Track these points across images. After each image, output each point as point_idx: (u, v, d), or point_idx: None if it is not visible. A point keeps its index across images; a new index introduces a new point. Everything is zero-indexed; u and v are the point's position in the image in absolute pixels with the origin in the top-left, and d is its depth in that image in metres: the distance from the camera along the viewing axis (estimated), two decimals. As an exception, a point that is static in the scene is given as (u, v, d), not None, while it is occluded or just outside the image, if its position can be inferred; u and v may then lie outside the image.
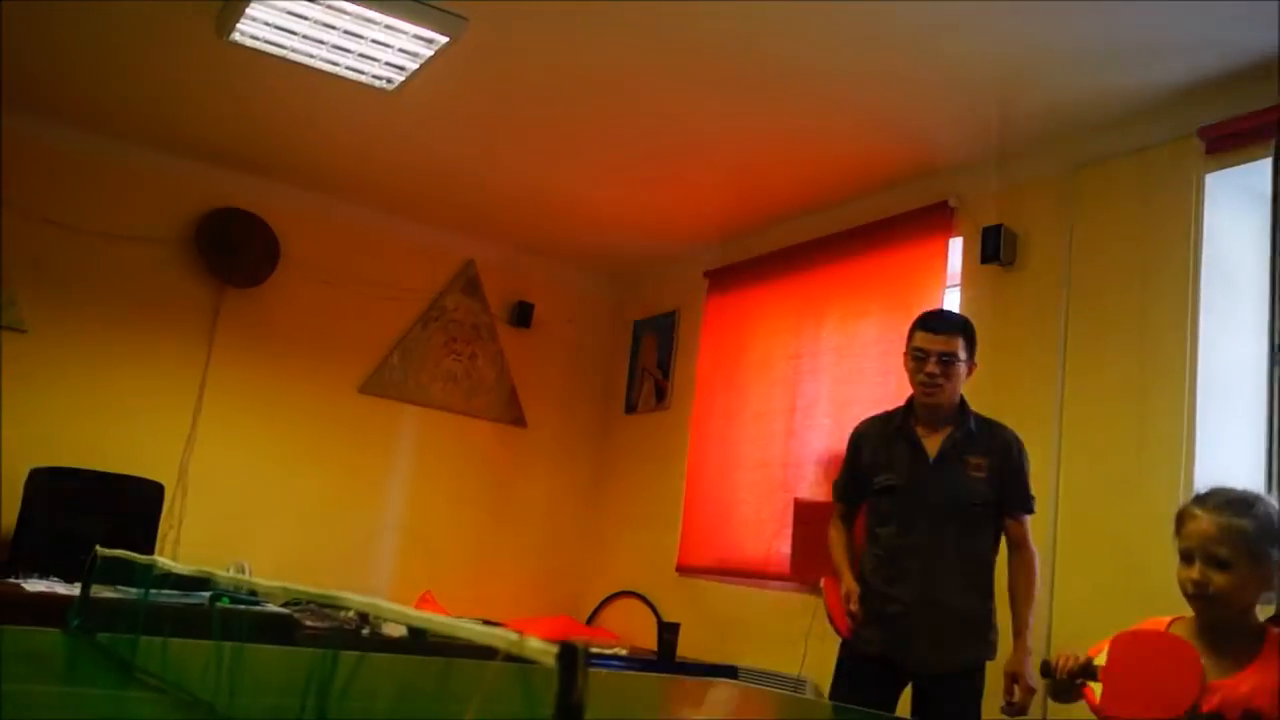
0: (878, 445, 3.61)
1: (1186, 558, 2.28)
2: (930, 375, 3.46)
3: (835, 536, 3.72)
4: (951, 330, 3.52)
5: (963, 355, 3.50)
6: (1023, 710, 3.28)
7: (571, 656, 0.86)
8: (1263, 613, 2.32)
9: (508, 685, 1.16)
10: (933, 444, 3.51)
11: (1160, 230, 4.14)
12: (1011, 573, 3.46)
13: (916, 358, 3.50)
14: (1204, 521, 2.27)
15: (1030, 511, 3.50)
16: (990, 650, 3.44)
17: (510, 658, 0.97)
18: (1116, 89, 4.13)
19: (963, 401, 3.56)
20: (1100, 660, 2.38)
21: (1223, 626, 2.28)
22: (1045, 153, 4.62)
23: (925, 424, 3.54)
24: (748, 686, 3.77)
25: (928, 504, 3.45)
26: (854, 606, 3.43)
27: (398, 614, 1.21)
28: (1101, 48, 3.86)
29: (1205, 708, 2.21)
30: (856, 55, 4.13)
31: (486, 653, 1.01)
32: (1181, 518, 2.32)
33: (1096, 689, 2.37)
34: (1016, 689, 3.28)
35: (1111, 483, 4.08)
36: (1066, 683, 2.43)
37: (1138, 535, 3.87)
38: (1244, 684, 2.19)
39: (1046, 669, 2.49)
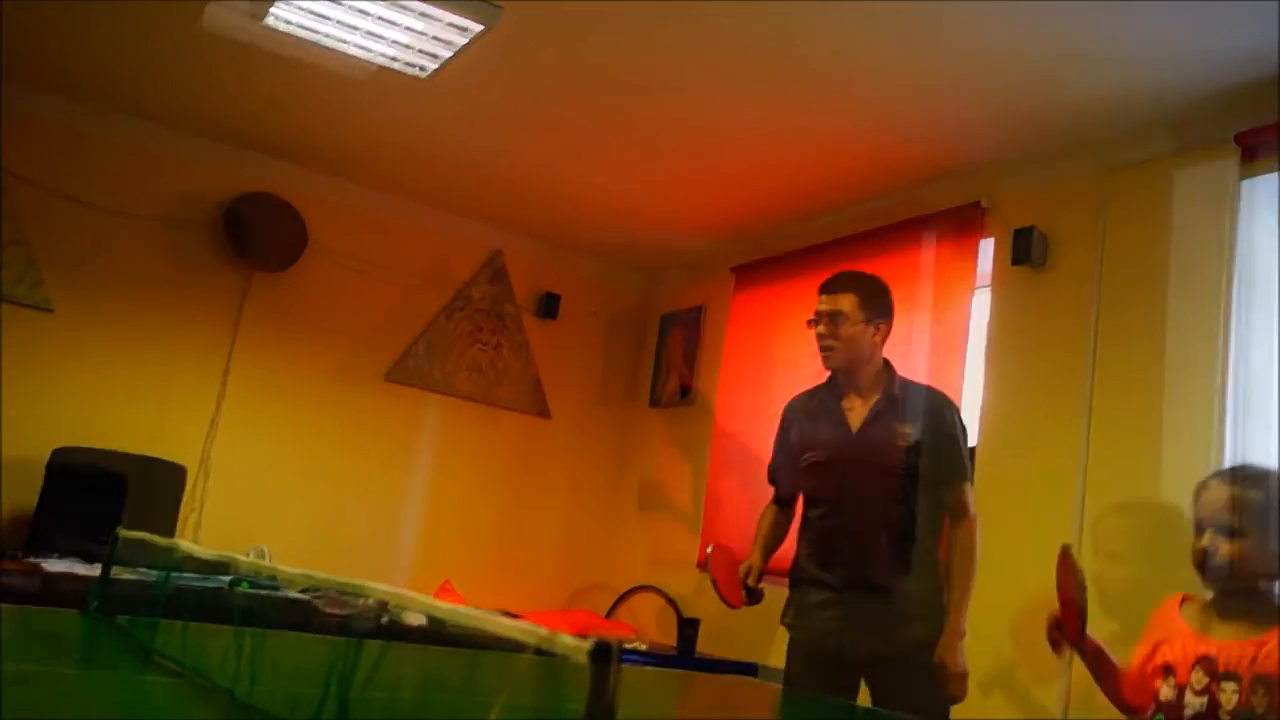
0: (804, 422, 3.45)
1: (1199, 528, 2.34)
2: (820, 336, 3.32)
3: (765, 516, 3.60)
4: (840, 289, 3.36)
5: (859, 315, 3.32)
6: (956, 699, 3.15)
7: (605, 654, 0.84)
8: None
9: (535, 679, 1.13)
10: (857, 416, 3.32)
11: (1194, 236, 4.09)
12: (949, 547, 3.29)
13: (812, 322, 3.36)
14: (1216, 491, 2.32)
15: (966, 479, 3.31)
16: (940, 629, 3.21)
17: (538, 652, 0.95)
18: (1152, 92, 4.07)
19: (888, 368, 3.41)
20: None
21: (1235, 598, 2.30)
22: (1079, 155, 4.58)
23: (850, 395, 3.37)
24: (768, 684, 3.74)
25: (853, 480, 3.28)
26: (751, 581, 3.30)
27: (424, 605, 1.18)
28: (1138, 50, 3.81)
29: (1221, 667, 2.25)
30: (888, 53, 4.09)
31: (511, 645, 0.99)
32: (1198, 490, 2.38)
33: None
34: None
35: (1139, 487, 4.04)
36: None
37: (1166, 539, 3.83)
38: (1261, 649, 2.22)
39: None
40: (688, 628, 5.65)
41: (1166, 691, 2.33)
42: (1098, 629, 2.60)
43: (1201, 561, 2.30)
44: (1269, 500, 2.25)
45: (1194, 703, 2.27)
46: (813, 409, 3.44)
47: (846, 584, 3.23)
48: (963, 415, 3.42)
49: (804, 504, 3.46)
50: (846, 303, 3.31)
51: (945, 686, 3.11)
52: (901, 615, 3.20)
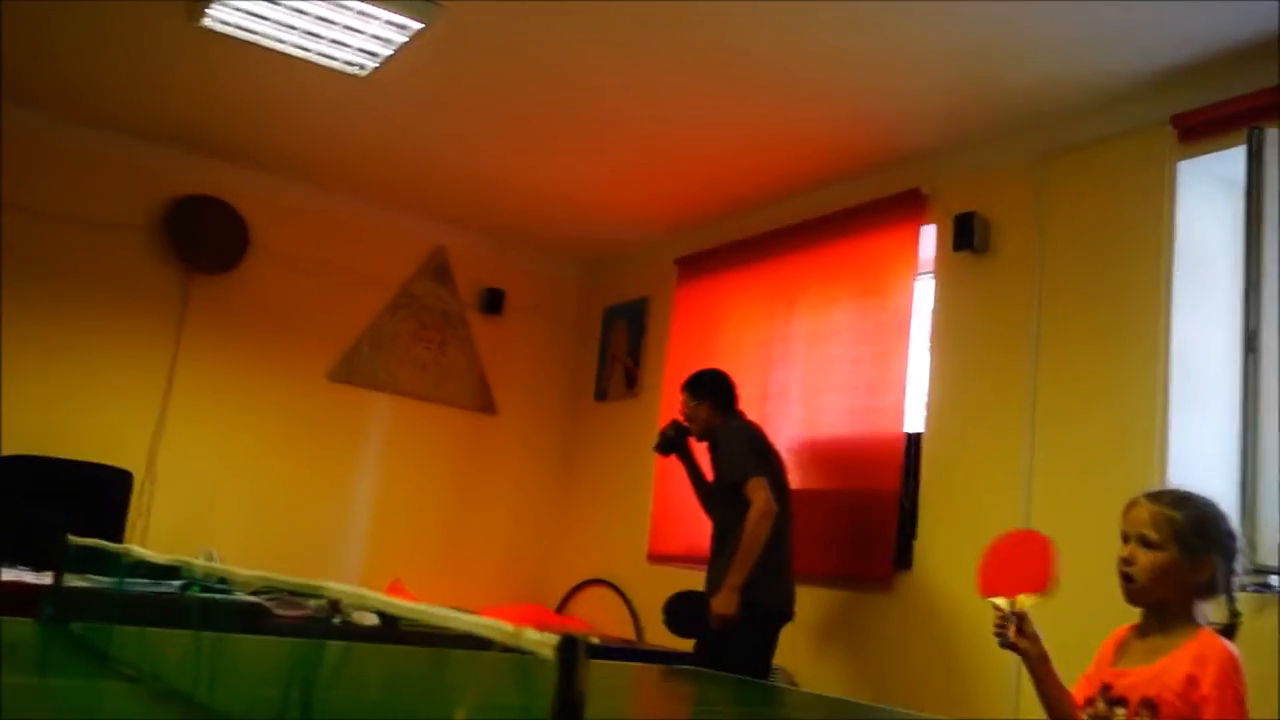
0: None
1: (1124, 539, 2.44)
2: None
3: None
4: (682, 392, 4.81)
5: (691, 403, 4.72)
6: (712, 625, 4.29)
7: (571, 650, 0.85)
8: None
9: (499, 676, 1.14)
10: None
11: (1132, 217, 4.13)
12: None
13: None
14: (1141, 508, 2.43)
15: (740, 482, 4.42)
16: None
17: (504, 648, 0.95)
18: (1090, 75, 4.12)
19: (712, 422, 4.68)
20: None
21: (1155, 620, 2.40)
22: (1018, 139, 4.62)
23: None
24: (718, 674, 3.76)
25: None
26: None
27: (383, 603, 1.19)
28: (1075, 33, 3.85)
29: (1115, 690, 2.35)
30: (828, 42, 4.11)
31: (472, 642, 1.00)
32: (1127, 506, 2.48)
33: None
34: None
35: (1085, 469, 4.08)
36: None
37: (1111, 522, 3.85)
38: (1150, 672, 2.30)
39: None
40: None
41: None
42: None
43: (1121, 569, 2.41)
44: (1187, 520, 2.37)
45: None
46: None
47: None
48: (741, 433, 4.61)
49: None
50: (681, 399, 4.81)
51: (709, 616, 4.30)
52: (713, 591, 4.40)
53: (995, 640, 2.55)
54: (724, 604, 4.26)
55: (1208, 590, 2.37)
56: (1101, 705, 2.37)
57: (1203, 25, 3.70)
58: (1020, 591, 2.55)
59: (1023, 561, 2.64)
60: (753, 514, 4.31)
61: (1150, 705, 2.27)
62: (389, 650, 2.85)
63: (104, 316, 5.84)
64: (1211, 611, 2.38)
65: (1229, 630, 2.38)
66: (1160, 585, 2.36)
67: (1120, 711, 2.32)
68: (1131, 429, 3.96)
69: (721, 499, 4.60)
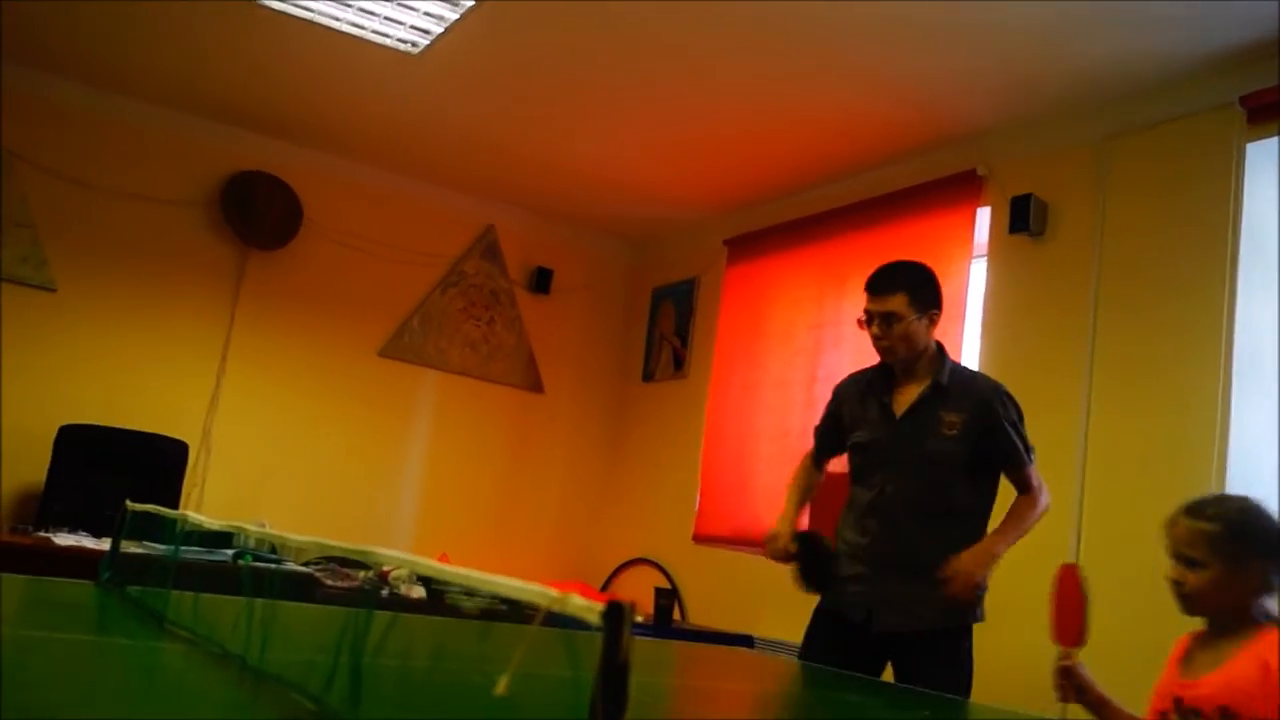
0: (854, 402, 3.43)
1: (1172, 557, 2.40)
2: (875, 337, 3.29)
3: (799, 472, 3.59)
4: (889, 290, 3.28)
5: (911, 312, 3.23)
6: (954, 601, 3.08)
7: (618, 615, 0.85)
8: None
9: (544, 644, 1.15)
10: (904, 400, 3.29)
11: (1197, 202, 4.03)
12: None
13: (865, 321, 3.32)
14: (1178, 526, 2.39)
15: (1023, 463, 3.24)
16: (972, 612, 3.16)
17: (551, 619, 0.96)
18: (1155, 54, 4.02)
19: (940, 353, 3.32)
20: None
21: (1215, 627, 2.36)
22: (1078, 120, 4.54)
23: (902, 380, 3.32)
24: (763, 654, 3.77)
25: (892, 461, 3.26)
26: (775, 545, 3.32)
27: (433, 569, 1.20)
28: (1141, 10, 3.76)
29: (1188, 702, 2.28)
30: (884, 18, 4.07)
31: (513, 617, 1.01)
32: (1169, 523, 2.43)
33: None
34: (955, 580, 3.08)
35: (1141, 458, 4.02)
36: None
37: (1168, 507, 3.82)
38: (1220, 679, 2.25)
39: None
40: (663, 598, 5.68)
41: None
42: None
43: (1172, 590, 2.37)
44: (1225, 533, 2.31)
45: None
46: (862, 390, 3.41)
47: (880, 560, 3.22)
48: (1015, 399, 3.30)
49: (850, 480, 3.43)
50: (898, 302, 3.24)
51: (949, 584, 3.09)
52: (933, 597, 3.12)
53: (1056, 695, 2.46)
54: (979, 562, 3.14)
55: (1263, 590, 2.30)
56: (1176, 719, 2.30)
57: (1274, 3, 3.59)
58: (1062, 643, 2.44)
59: (1068, 610, 2.49)
60: (1044, 500, 3.29)
61: (1228, 713, 2.21)
62: (436, 621, 2.88)
63: (163, 291, 5.94)
64: (1277, 606, 2.31)
65: None
66: (1212, 600, 2.32)
67: None
68: (1191, 418, 3.87)
69: (939, 467, 3.25)
